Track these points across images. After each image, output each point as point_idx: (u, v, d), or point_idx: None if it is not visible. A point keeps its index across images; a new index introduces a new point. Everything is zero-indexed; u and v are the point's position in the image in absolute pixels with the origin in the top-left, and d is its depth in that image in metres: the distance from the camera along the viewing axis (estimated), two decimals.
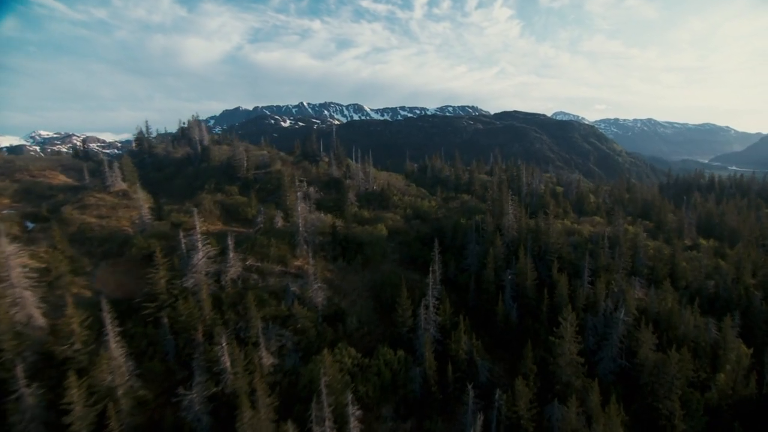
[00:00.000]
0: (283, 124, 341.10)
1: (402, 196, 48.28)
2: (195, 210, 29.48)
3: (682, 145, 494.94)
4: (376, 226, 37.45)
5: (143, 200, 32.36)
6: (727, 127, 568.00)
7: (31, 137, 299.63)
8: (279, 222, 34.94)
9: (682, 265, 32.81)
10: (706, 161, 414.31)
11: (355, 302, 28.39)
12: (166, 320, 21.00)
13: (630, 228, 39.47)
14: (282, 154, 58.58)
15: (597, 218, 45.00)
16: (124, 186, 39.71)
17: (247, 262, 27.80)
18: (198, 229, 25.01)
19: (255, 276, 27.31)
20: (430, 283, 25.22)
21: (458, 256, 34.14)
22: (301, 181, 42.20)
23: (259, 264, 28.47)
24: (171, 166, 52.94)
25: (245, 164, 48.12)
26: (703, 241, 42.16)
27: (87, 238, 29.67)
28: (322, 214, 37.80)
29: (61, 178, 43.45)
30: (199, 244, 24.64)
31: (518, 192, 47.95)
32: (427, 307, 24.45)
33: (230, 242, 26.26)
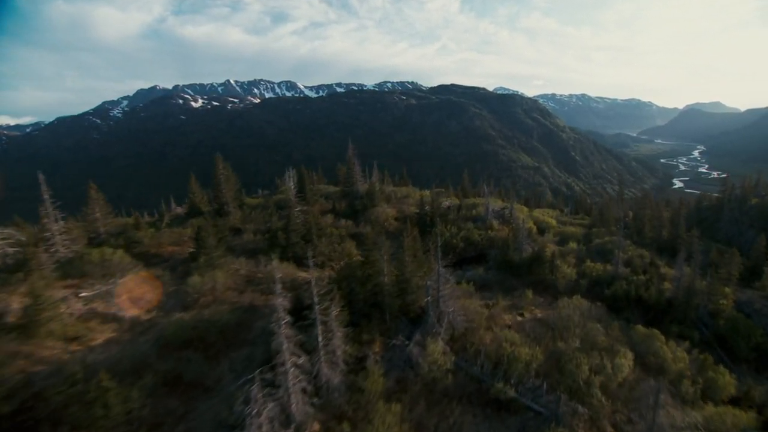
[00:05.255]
0: (193, 104, 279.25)
1: None
2: None
3: (612, 119, 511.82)
4: None
5: None
6: (650, 102, 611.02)
7: None
8: None
9: None
10: (635, 135, 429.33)
11: None
12: None
13: None
14: None
15: None
16: None
17: None
18: None
19: None
20: None
21: None
22: None
23: None
24: None
25: None
26: None
27: None
28: None
29: None
30: None
31: None
32: None
33: None
